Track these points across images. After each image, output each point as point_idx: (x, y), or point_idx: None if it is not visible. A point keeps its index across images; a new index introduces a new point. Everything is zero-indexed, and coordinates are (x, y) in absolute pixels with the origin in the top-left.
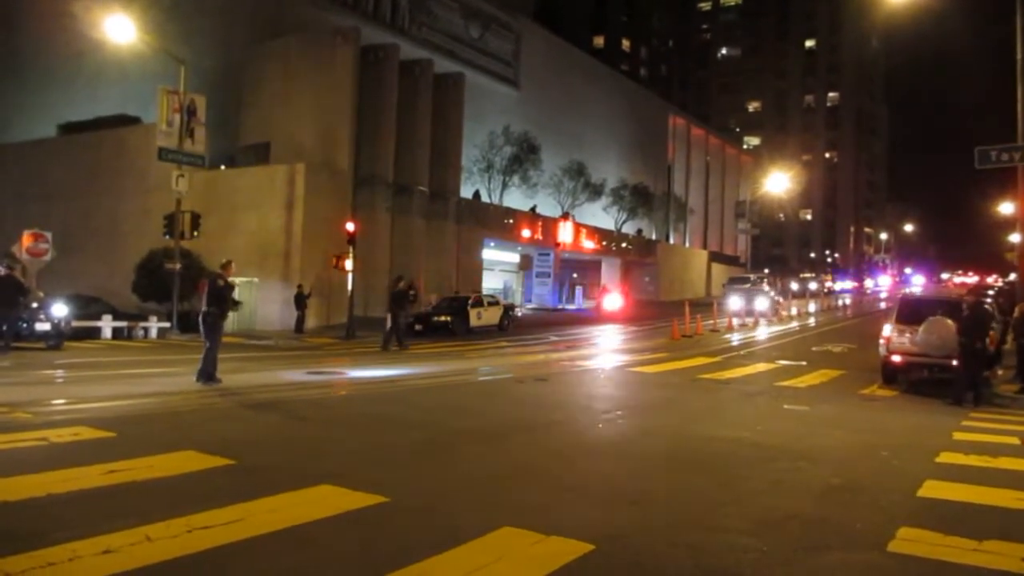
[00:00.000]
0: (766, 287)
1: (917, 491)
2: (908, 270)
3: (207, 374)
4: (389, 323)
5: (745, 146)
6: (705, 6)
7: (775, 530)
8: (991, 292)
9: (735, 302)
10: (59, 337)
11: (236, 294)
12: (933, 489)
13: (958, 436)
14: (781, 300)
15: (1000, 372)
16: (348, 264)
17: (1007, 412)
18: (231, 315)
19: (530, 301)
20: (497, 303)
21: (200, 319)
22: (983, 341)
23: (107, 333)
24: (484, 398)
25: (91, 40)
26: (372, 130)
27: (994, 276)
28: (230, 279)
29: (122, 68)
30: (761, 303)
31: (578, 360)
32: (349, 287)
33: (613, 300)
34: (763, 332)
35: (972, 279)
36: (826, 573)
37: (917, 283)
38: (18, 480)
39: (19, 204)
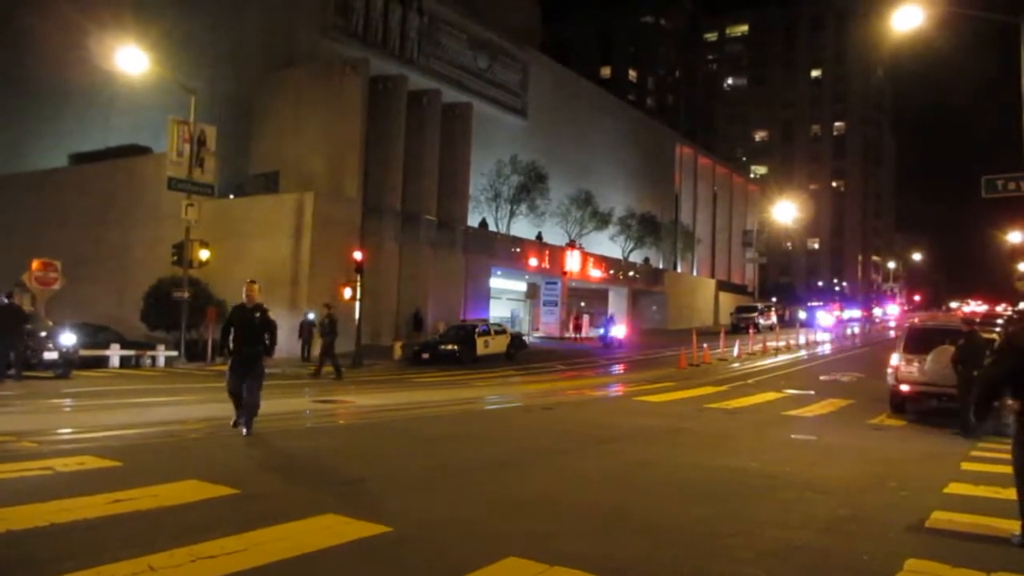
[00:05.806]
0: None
1: (925, 522)
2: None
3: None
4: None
5: (752, 175)
6: (711, 37)
7: (781, 561)
8: (1000, 321)
9: None
10: (67, 366)
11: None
12: (941, 520)
13: (966, 466)
14: None
15: (1010, 402)
16: (355, 291)
17: None
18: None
19: (537, 330)
20: (504, 331)
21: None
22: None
23: (115, 362)
24: (490, 427)
25: (104, 71)
26: (380, 159)
27: (1004, 305)
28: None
29: (134, 99)
30: None
31: (585, 389)
32: (356, 316)
33: (618, 329)
34: (771, 361)
35: (981, 307)
36: None
37: (892, 313)
38: (22, 509)
39: (31, 232)
